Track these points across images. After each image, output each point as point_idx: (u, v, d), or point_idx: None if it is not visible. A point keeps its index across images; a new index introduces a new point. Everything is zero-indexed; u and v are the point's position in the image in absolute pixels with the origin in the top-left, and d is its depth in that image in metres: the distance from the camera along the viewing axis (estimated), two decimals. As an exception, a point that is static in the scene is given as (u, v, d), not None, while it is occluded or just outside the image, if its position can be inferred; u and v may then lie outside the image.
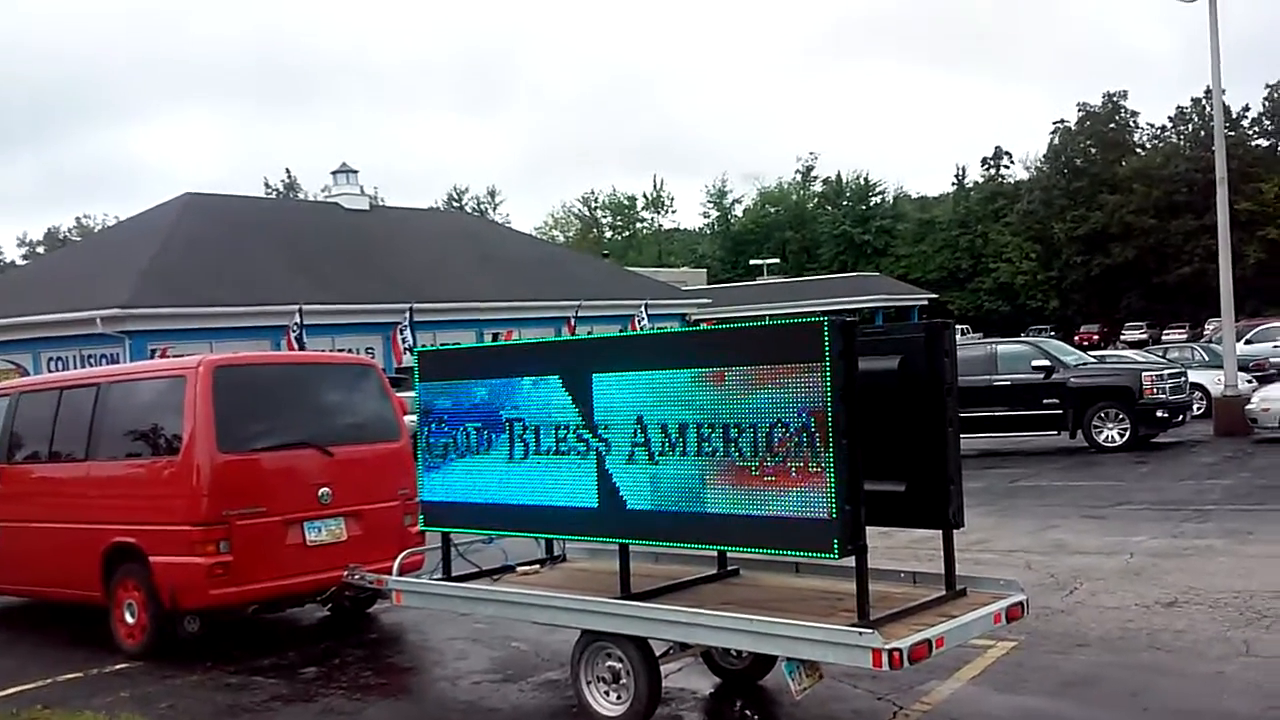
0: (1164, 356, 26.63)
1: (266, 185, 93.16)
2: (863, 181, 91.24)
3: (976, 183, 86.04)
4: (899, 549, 9.93)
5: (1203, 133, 68.41)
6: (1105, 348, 48.84)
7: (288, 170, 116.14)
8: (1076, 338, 59.43)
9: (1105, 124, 77.43)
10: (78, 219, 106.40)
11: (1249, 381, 23.22)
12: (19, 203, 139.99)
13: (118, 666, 8.51)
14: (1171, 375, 19.59)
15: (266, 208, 45.24)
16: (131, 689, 7.85)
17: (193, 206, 34.21)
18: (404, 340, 28.70)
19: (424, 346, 7.71)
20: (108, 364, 22.58)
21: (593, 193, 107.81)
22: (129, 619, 8.75)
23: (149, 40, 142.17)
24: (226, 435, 8.41)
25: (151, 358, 21.29)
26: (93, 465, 9.19)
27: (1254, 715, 6.06)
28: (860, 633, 5.29)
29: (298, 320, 26.58)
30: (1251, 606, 8.23)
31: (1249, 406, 19.77)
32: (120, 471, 8.99)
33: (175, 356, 13.50)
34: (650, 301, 38.27)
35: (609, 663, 6.33)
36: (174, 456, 8.51)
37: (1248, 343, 30.74)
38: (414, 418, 7.60)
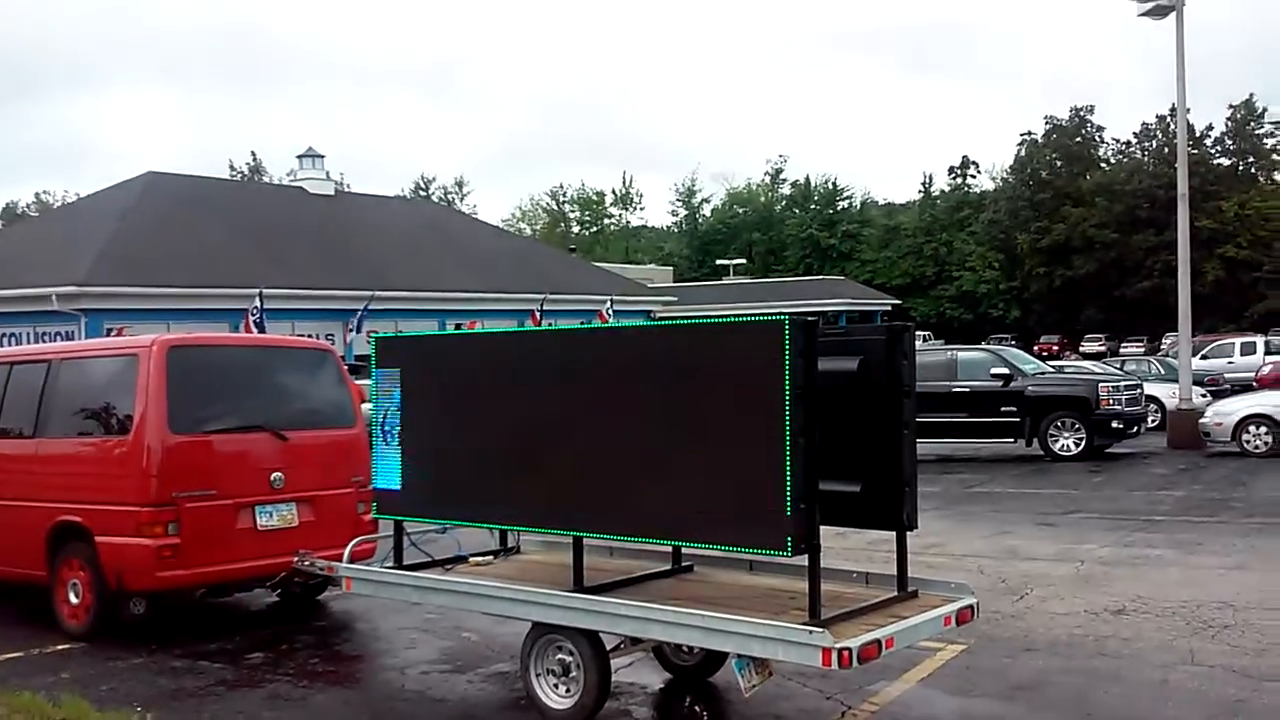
0: (1121, 369, 26.93)
1: (231, 167, 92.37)
2: (831, 186, 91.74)
3: (943, 191, 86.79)
4: (854, 550, 9.95)
5: (1166, 150, 69.29)
6: (1064, 358, 49.34)
7: (253, 153, 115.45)
8: (1036, 348, 60.01)
9: (1071, 138, 78.30)
10: (37, 194, 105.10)
11: (1203, 396, 23.58)
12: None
13: (60, 647, 8.37)
14: (1128, 387, 19.83)
15: (230, 189, 44.71)
16: (73, 670, 7.72)
17: (155, 186, 33.79)
18: (352, 327, 28.74)
19: (380, 333, 7.63)
20: (63, 342, 22.23)
21: (561, 187, 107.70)
22: (73, 599, 8.61)
23: (115, 16, 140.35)
24: (178, 416, 8.29)
25: (107, 337, 20.98)
26: (41, 442, 9.03)
27: (1196, 723, 6.12)
28: (811, 631, 5.29)
29: (258, 304, 26.35)
30: (1198, 616, 8.32)
31: (1202, 420, 20.06)
32: (69, 450, 8.84)
33: (131, 336, 13.29)
34: (616, 297, 38.30)
35: (559, 656, 6.30)
36: (124, 436, 8.38)
37: (1203, 358, 31.22)
38: (370, 405, 7.52)
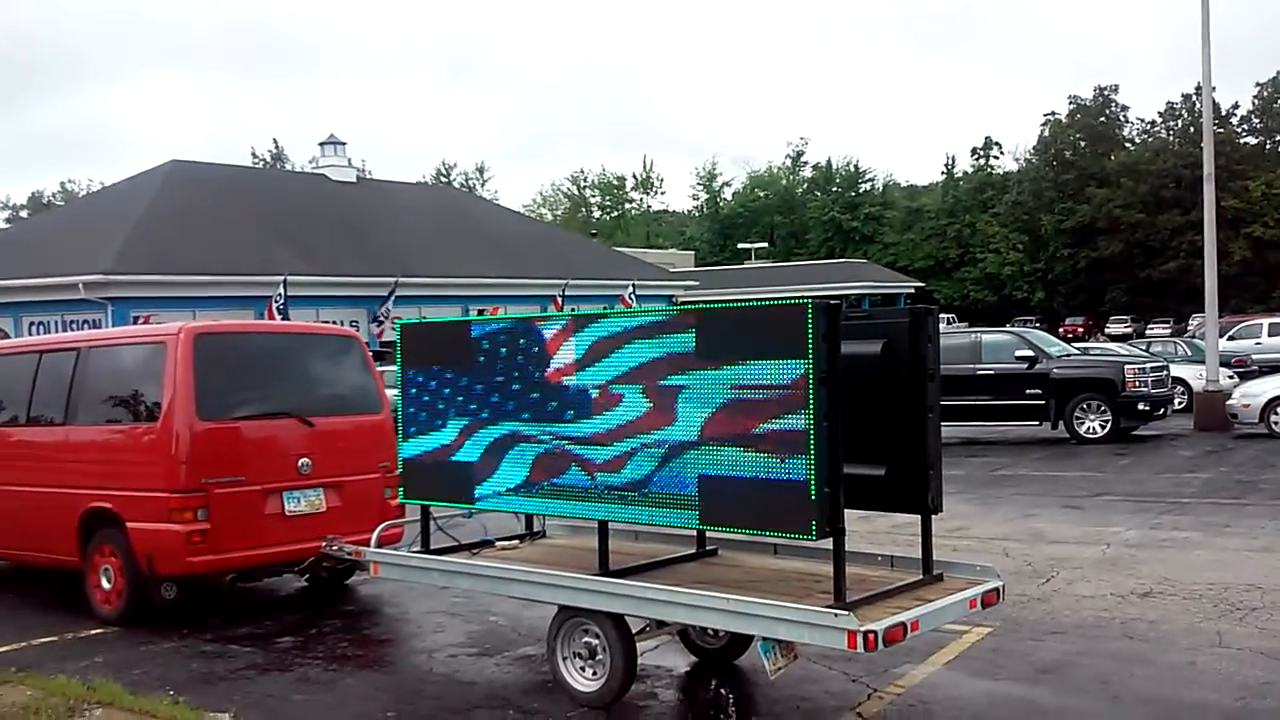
0: (1147, 350, 26.75)
1: (253, 155, 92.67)
2: (852, 168, 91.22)
3: (965, 173, 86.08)
4: (878, 534, 9.97)
5: (1192, 129, 68.60)
6: (1089, 340, 49.04)
7: (275, 140, 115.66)
8: (1061, 330, 59.66)
9: (1095, 117, 77.55)
10: (62, 184, 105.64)
11: (1230, 377, 23.41)
12: (3, 166, 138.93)
13: (93, 632, 8.49)
14: (1154, 369, 19.69)
15: (252, 177, 44.93)
16: (106, 654, 7.83)
17: (178, 174, 33.96)
18: (384, 313, 28.78)
19: (409, 319, 7.68)
20: (89, 330, 22.43)
21: (582, 172, 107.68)
22: (105, 584, 8.72)
23: (136, 4, 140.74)
24: (206, 403, 8.37)
25: (134, 324, 21.16)
26: (71, 430, 9.14)
27: (1224, 705, 6.10)
28: (836, 614, 5.30)
29: (281, 291, 26.48)
30: (1225, 598, 8.29)
31: (1229, 402, 19.91)
32: (99, 437, 8.94)
33: (157, 324, 13.40)
34: (637, 282, 38.26)
35: (585, 639, 6.34)
36: (153, 423, 8.46)
37: (1230, 339, 30.96)
38: (395, 391, 7.57)
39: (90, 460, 8.92)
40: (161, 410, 8.40)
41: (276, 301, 26.28)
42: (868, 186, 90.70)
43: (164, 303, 25.53)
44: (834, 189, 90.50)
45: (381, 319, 29.58)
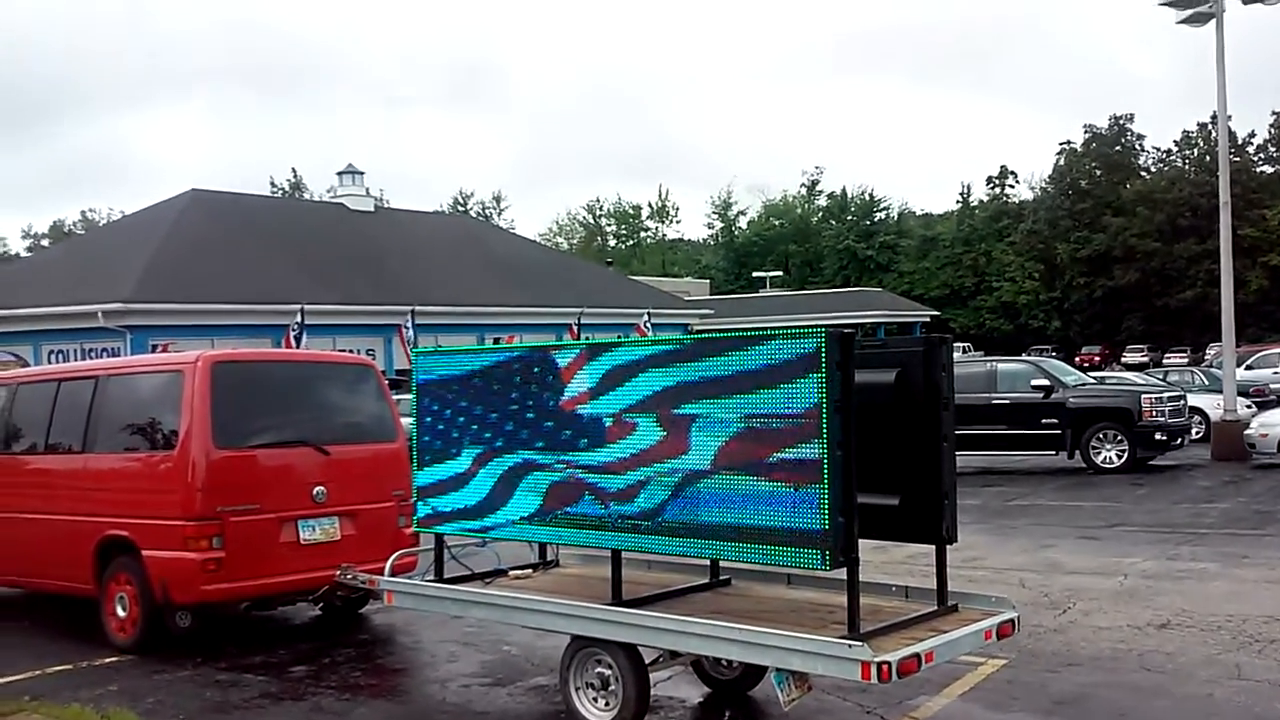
0: (1164, 379, 26.60)
1: (272, 184, 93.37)
2: (867, 197, 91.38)
3: (981, 201, 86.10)
4: (893, 564, 9.93)
5: (1208, 158, 68.49)
6: (1106, 370, 48.81)
7: (293, 170, 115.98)
8: (1077, 359, 59.42)
9: (1111, 146, 77.57)
10: (83, 212, 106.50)
11: (1248, 407, 23.23)
12: (25, 195, 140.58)
13: (107, 660, 8.50)
14: (1171, 398, 19.57)
15: (271, 206, 45.32)
16: (120, 682, 7.84)
17: (197, 203, 34.28)
18: (409, 339, 28.75)
19: (424, 348, 7.72)
20: (108, 358, 22.57)
21: (598, 200, 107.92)
22: (120, 612, 8.74)
23: (154, 35, 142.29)
24: (223, 431, 8.41)
25: (152, 353, 21.29)
26: (89, 458, 9.19)
27: (1243, 739, 6.05)
28: (850, 645, 5.28)
29: (298, 319, 26.60)
30: (1244, 630, 8.21)
31: (1247, 431, 19.77)
32: (116, 465, 8.99)
33: (176, 352, 13.49)
34: (653, 310, 38.34)
35: (598, 669, 6.32)
36: (170, 451, 8.51)
37: (1248, 368, 30.77)
38: (410, 419, 7.60)
39: (107, 488, 8.97)
40: (179, 438, 8.45)
41: (293, 330, 26.41)
42: (883, 215, 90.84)
43: (183, 331, 25.70)
44: (849, 217, 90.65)
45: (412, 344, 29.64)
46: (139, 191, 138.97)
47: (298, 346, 24.66)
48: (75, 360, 24.58)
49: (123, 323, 25.88)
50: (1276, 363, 32.84)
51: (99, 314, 25.74)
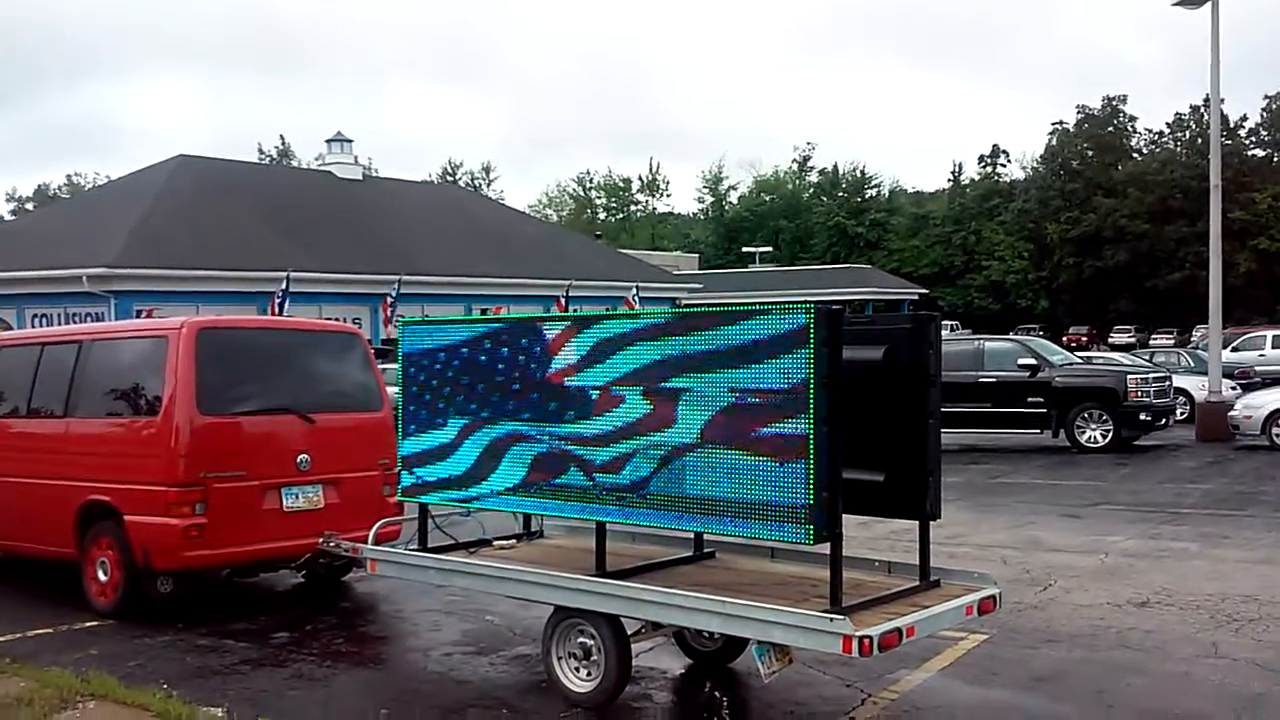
0: (1150, 360, 26.71)
1: (260, 151, 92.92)
2: (859, 174, 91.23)
3: (972, 180, 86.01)
4: (877, 539, 9.97)
5: (1199, 140, 68.54)
6: (1092, 350, 48.97)
7: (281, 137, 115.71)
8: (1065, 339, 59.56)
9: (1103, 127, 77.51)
10: (69, 177, 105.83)
11: (1233, 388, 23.35)
12: (9, 159, 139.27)
13: (88, 624, 8.48)
14: (1156, 379, 19.67)
15: (258, 173, 44.98)
16: (101, 647, 7.83)
17: (184, 168, 34.03)
18: (393, 309, 28.64)
19: (410, 318, 7.69)
20: (92, 322, 22.45)
21: (588, 173, 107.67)
22: (101, 577, 8.72)
23: (147, 1, 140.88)
24: (207, 397, 8.37)
25: (137, 318, 21.18)
26: (71, 422, 9.14)
27: (1218, 716, 6.09)
28: (831, 619, 5.29)
29: (284, 287, 26.44)
30: (1222, 609, 8.27)
31: (1232, 413, 19.89)
32: (99, 429, 8.94)
33: (160, 318, 13.41)
34: (642, 284, 38.28)
35: (581, 639, 6.33)
36: (153, 417, 8.46)
37: (1234, 350, 30.91)
38: (396, 388, 7.57)
39: (90, 453, 8.92)
40: (162, 404, 8.40)
41: (277, 297, 26.26)
42: (874, 192, 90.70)
43: (167, 297, 25.56)
44: (840, 194, 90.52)
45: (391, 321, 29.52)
46: (126, 156, 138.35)
47: (281, 314, 24.51)
48: (59, 324, 24.45)
49: (107, 288, 25.72)
50: (1262, 345, 33.00)
51: (83, 278, 25.57)
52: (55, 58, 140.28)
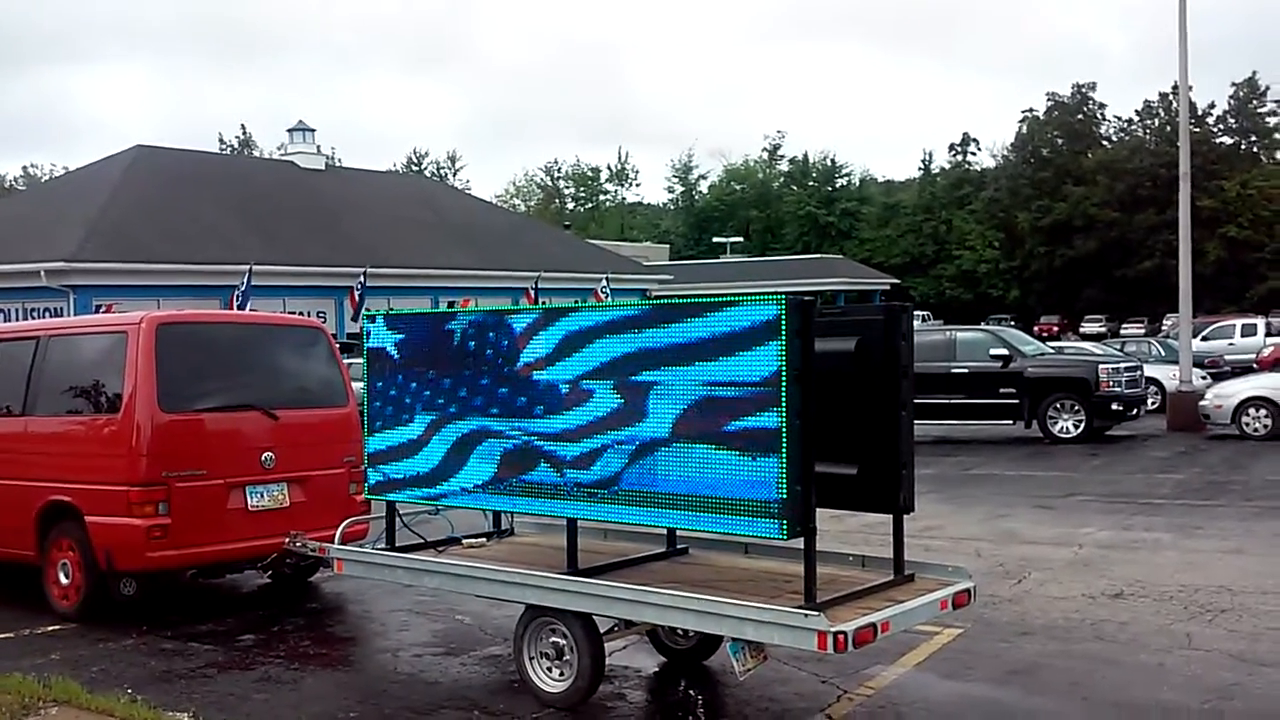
0: (1121, 350, 26.86)
1: (221, 141, 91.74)
2: (829, 163, 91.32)
3: (943, 169, 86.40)
4: (850, 533, 9.91)
5: (1169, 128, 69.10)
6: (1063, 339, 49.31)
7: (243, 127, 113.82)
8: (1036, 328, 59.98)
9: (1073, 115, 78.01)
10: (24, 168, 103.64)
11: (1204, 378, 23.52)
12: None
13: (50, 628, 8.31)
14: (1128, 369, 19.76)
15: (219, 163, 44.36)
16: (63, 651, 7.66)
17: (143, 160, 33.55)
18: (362, 302, 28.30)
19: (375, 311, 7.54)
20: (50, 318, 22.11)
21: (556, 162, 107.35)
22: (63, 579, 8.54)
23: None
24: (168, 394, 8.20)
25: (96, 313, 20.87)
26: (30, 421, 8.94)
27: (1192, 707, 6.07)
28: (806, 615, 5.22)
29: (245, 280, 26.03)
30: (1195, 600, 8.27)
31: (1202, 403, 20.01)
32: (58, 428, 8.75)
33: (120, 313, 13.18)
34: (611, 275, 38.10)
35: (553, 639, 6.24)
36: (114, 415, 8.28)
37: (1204, 339, 31.17)
38: (361, 384, 7.44)
39: (49, 452, 8.74)
40: (122, 401, 8.22)
41: (238, 292, 25.82)
42: (844, 181, 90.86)
43: (127, 291, 25.14)
44: (810, 183, 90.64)
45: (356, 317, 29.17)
46: (83, 147, 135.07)
47: (242, 308, 24.15)
48: (16, 320, 24.06)
49: (65, 282, 25.34)
50: (1231, 334, 33.30)
51: (41, 273, 25.17)
52: (8, 46, 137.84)
